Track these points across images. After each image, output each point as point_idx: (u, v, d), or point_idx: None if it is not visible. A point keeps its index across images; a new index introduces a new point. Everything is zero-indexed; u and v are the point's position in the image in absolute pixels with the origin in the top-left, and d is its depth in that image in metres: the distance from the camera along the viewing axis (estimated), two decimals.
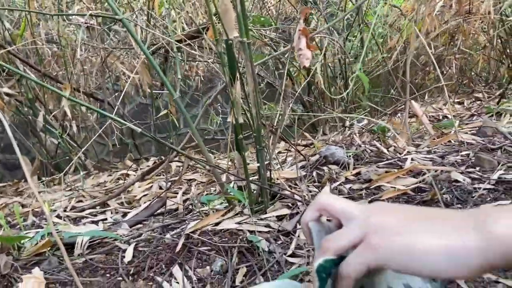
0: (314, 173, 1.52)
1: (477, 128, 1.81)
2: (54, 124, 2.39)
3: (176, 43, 1.97)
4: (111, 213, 1.68)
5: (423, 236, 0.43)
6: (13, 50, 2.24)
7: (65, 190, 2.15)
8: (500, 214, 0.42)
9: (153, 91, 2.53)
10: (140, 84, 2.64)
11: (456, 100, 2.81)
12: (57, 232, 1.31)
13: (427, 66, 3.02)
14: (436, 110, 2.42)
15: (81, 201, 1.92)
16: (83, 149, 1.82)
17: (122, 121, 1.15)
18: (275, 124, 1.42)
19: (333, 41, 2.03)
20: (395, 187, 1.24)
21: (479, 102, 2.71)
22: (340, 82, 2.67)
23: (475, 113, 2.23)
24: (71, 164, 1.61)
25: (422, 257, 0.42)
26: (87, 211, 1.71)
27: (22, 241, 1.26)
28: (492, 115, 2.13)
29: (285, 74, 1.24)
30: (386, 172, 1.37)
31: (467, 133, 1.79)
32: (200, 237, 1.16)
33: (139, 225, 1.44)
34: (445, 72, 3.14)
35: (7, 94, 2.36)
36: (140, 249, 1.20)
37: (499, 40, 2.83)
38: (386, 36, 3.07)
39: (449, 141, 1.69)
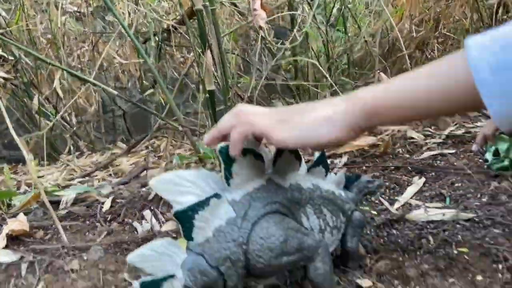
0: None
1: None
2: (48, 107, 2.51)
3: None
4: (98, 181, 1.79)
5: (303, 114, 0.54)
6: (9, 36, 2.35)
7: (58, 168, 2.27)
8: (365, 88, 0.53)
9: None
10: (130, 72, 2.76)
11: None
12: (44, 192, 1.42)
13: (409, 50, 3.10)
14: None
15: (72, 174, 2.03)
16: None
17: (98, 83, 1.26)
18: (248, 94, 1.52)
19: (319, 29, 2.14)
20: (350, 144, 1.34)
21: None
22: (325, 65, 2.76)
23: None
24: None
25: (303, 128, 0.53)
26: (76, 180, 1.82)
27: (10, 198, 1.37)
28: None
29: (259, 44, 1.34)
30: None
31: None
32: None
33: (121, 186, 1.54)
34: (428, 56, 3.23)
35: (4, 78, 2.47)
36: (118, 201, 1.31)
37: (481, 24, 2.91)
38: (370, 22, 3.16)
39: None
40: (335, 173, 0.75)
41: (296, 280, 0.71)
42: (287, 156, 0.64)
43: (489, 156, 0.93)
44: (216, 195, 0.57)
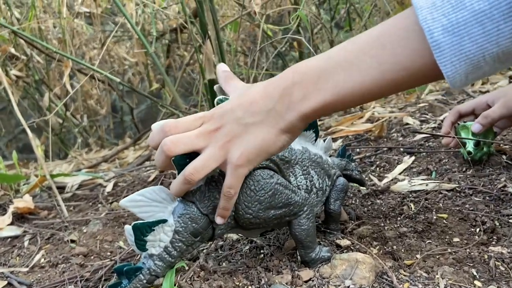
0: None
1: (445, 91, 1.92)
2: (57, 103, 2.58)
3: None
4: (104, 171, 1.84)
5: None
6: (21, 35, 2.43)
7: (67, 162, 2.33)
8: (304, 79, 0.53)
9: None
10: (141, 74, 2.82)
11: None
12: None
13: None
14: None
15: (79, 167, 2.09)
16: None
17: (101, 71, 1.31)
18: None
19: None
20: (346, 128, 1.37)
21: None
22: None
23: None
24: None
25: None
26: (83, 171, 1.87)
27: (19, 183, 1.42)
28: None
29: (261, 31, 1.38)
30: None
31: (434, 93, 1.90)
32: (171, 171, 1.31)
33: (124, 172, 1.59)
34: None
35: (16, 76, 2.55)
36: (120, 184, 1.36)
37: None
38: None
39: (417, 100, 1.81)
40: (324, 140, 0.78)
41: (279, 240, 0.74)
42: None
43: (470, 147, 0.93)
44: None
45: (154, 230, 0.58)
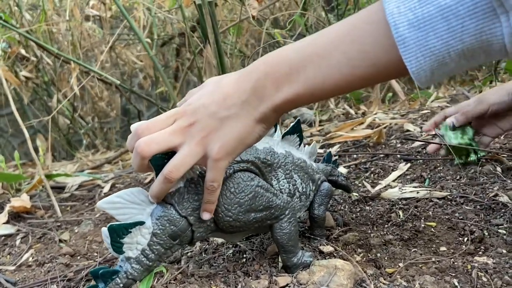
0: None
1: (450, 98, 1.89)
2: (66, 104, 2.61)
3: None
4: (106, 173, 1.85)
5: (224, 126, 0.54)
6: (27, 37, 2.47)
7: (72, 163, 2.35)
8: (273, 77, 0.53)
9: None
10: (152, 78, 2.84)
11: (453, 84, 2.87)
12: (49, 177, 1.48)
13: None
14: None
15: (83, 167, 2.11)
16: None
17: (102, 73, 1.32)
18: None
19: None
20: (345, 134, 1.36)
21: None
22: None
23: (461, 88, 2.30)
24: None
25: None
26: (86, 172, 1.89)
27: (20, 183, 1.44)
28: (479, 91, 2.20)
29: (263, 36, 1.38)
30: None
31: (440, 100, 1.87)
32: None
33: (123, 174, 1.60)
34: None
35: (26, 77, 2.59)
36: (117, 185, 1.36)
37: None
38: None
39: (421, 107, 1.79)
40: (308, 144, 0.77)
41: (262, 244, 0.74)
42: None
43: (453, 140, 0.95)
44: None
45: (131, 232, 0.57)
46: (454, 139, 0.94)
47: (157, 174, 0.57)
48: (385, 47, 0.46)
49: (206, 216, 0.59)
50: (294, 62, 0.51)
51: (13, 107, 1.26)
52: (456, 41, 0.42)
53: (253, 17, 1.15)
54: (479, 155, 0.96)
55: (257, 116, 0.53)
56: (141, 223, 0.58)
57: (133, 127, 0.58)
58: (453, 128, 0.95)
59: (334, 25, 0.51)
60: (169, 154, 0.56)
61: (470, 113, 0.93)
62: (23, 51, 2.53)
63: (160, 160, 0.56)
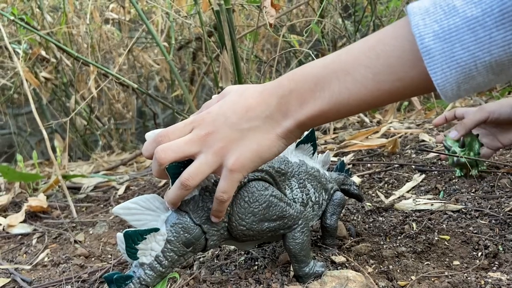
0: None
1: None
2: (84, 106, 2.65)
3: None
4: (120, 174, 1.88)
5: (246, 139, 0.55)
6: (52, 39, 2.52)
7: (88, 163, 2.39)
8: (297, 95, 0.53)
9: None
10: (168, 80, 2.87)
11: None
12: (65, 177, 1.50)
13: None
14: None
15: (98, 168, 2.14)
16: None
17: (120, 76, 1.34)
18: None
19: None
20: (359, 143, 1.35)
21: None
22: None
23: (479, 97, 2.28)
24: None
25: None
26: (101, 173, 1.92)
27: (37, 183, 1.46)
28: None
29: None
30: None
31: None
32: None
33: (138, 176, 1.62)
34: None
35: (46, 78, 2.64)
36: (132, 188, 1.38)
37: None
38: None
39: (436, 115, 1.77)
40: (321, 152, 0.77)
41: (274, 251, 0.74)
42: None
43: (455, 149, 0.95)
44: None
45: (145, 238, 0.58)
46: (461, 153, 0.95)
47: (172, 182, 0.58)
48: (410, 61, 0.45)
49: (214, 219, 0.60)
50: (318, 78, 0.51)
51: (33, 107, 1.29)
52: (484, 53, 0.42)
53: (271, 25, 1.16)
54: (480, 168, 0.96)
55: (279, 132, 0.54)
56: (156, 229, 0.59)
57: (152, 133, 0.59)
58: (462, 145, 0.94)
59: (358, 41, 0.51)
60: (185, 162, 0.57)
61: (469, 122, 0.92)
62: (43, 53, 2.58)
63: (176, 168, 0.57)
